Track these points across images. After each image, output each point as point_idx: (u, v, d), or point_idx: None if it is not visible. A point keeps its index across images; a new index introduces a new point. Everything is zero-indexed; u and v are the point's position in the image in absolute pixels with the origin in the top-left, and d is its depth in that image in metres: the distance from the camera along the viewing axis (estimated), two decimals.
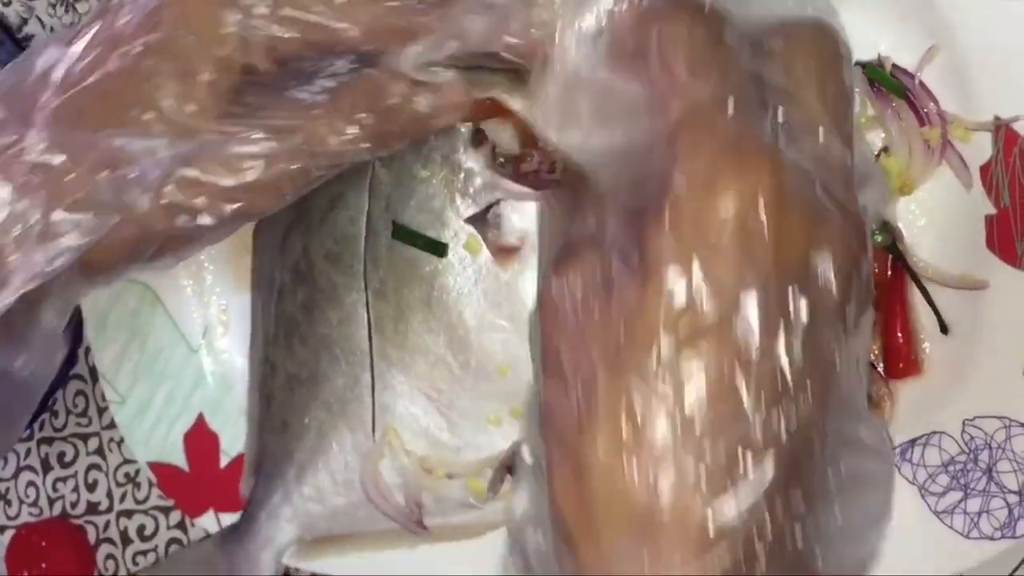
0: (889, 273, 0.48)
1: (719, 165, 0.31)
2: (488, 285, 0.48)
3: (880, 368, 0.49)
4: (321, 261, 0.50)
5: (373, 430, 0.50)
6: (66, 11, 0.62)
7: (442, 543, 0.52)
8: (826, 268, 0.31)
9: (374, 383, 0.50)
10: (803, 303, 0.31)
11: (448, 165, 0.48)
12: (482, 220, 0.47)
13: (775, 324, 0.30)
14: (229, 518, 0.55)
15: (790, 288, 0.31)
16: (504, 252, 0.47)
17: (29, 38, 0.62)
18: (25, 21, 0.63)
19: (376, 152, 0.40)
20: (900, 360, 0.48)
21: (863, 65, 0.47)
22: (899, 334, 0.48)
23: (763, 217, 0.30)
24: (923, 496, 0.47)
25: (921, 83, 0.47)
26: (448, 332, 0.48)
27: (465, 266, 0.48)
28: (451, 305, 0.48)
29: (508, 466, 0.50)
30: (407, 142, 0.41)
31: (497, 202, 0.47)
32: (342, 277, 0.50)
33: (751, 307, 0.30)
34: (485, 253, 0.48)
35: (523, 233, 0.47)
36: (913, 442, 0.48)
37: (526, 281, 0.47)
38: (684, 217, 0.31)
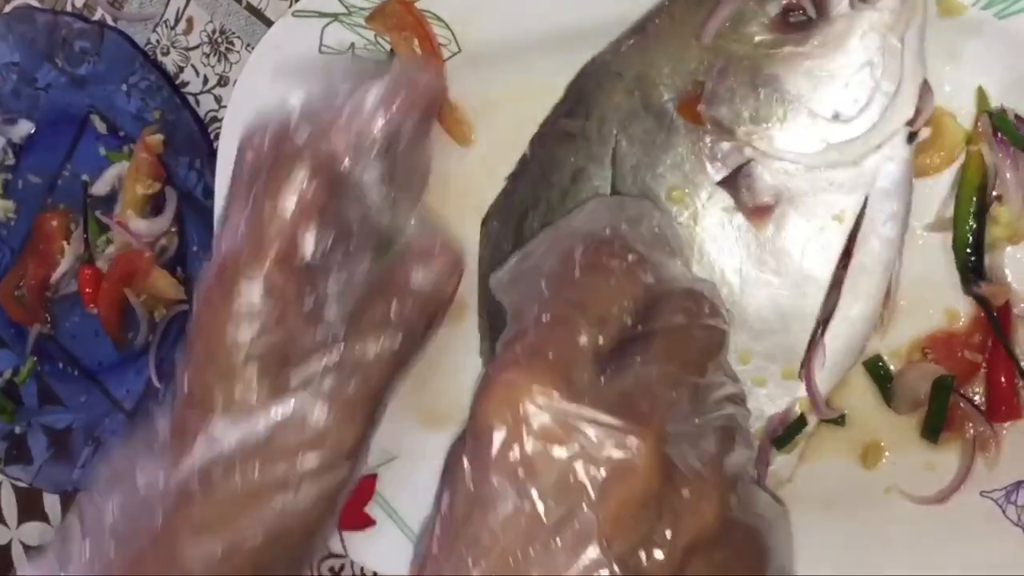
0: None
1: None
2: (749, 242, 0.47)
3: (984, 411, 0.50)
4: None
5: None
6: (218, 60, 0.67)
7: None
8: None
9: None
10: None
11: (692, 131, 0.47)
12: (733, 182, 0.46)
13: None
14: None
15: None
16: (759, 212, 0.46)
17: (185, 84, 0.68)
18: (182, 69, 0.68)
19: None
20: (1003, 403, 0.49)
21: (991, 113, 0.48)
22: (1002, 378, 0.49)
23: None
24: None
25: None
26: None
27: (723, 225, 0.47)
28: (712, 265, 0.47)
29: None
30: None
31: (747, 162, 0.46)
32: None
33: None
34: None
35: (776, 190, 0.46)
36: (1018, 485, 0.49)
37: (787, 235, 0.46)
38: None
